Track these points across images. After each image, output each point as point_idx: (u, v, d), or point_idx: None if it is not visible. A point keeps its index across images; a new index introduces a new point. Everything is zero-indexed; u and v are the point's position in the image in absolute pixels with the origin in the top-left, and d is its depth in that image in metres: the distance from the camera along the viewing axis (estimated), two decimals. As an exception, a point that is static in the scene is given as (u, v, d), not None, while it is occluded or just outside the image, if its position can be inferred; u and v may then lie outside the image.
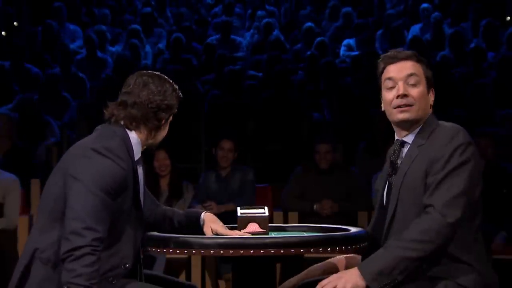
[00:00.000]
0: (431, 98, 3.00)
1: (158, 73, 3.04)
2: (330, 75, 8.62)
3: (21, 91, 8.36)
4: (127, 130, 2.94)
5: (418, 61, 2.99)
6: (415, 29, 10.77)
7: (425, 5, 10.97)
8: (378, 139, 7.08)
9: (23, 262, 2.86)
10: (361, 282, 2.72)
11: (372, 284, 2.71)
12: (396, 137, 3.03)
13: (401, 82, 2.94)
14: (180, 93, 3.04)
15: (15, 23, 10.99)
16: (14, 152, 6.82)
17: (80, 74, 9.16)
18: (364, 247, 3.02)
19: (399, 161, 2.98)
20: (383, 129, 6.91)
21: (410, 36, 10.26)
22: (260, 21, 11.35)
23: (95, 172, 2.77)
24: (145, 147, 3.01)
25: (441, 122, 2.97)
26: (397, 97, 2.94)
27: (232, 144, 6.47)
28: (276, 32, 10.93)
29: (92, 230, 2.70)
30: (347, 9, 11.16)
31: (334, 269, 3.15)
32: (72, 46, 10.26)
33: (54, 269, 2.79)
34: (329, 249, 2.86)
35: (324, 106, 8.40)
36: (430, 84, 2.99)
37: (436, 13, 10.65)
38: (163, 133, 3.01)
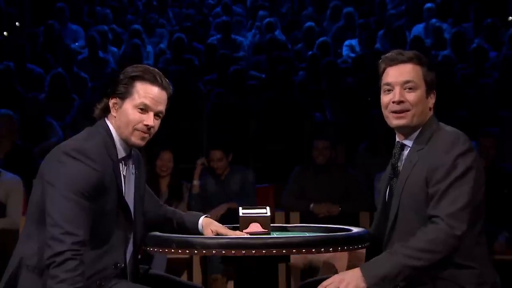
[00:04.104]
0: (431, 101, 2.95)
1: (146, 66, 3.02)
2: (332, 75, 8.62)
3: (25, 91, 8.37)
4: (109, 124, 2.93)
5: (419, 63, 2.93)
6: (418, 29, 10.77)
7: (428, 5, 10.97)
8: (379, 139, 7.09)
9: (10, 270, 2.87)
10: (363, 284, 2.70)
11: (373, 287, 2.70)
12: (396, 139, 3.01)
13: (398, 88, 2.91)
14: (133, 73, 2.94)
15: (16, 23, 11.00)
16: (15, 153, 6.82)
17: (82, 74, 9.17)
18: (365, 247, 3.02)
19: (399, 164, 2.97)
20: (384, 129, 6.92)
21: (411, 36, 10.26)
22: (261, 21, 11.35)
23: (68, 176, 2.76)
24: (131, 146, 2.97)
25: (441, 125, 2.94)
26: (393, 102, 2.91)
27: (221, 153, 6.48)
28: (277, 32, 10.93)
29: (71, 235, 2.70)
30: (349, 9, 11.16)
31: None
32: (73, 46, 10.26)
33: (40, 276, 2.80)
34: (331, 249, 2.85)
35: (325, 106, 8.40)
36: (431, 86, 2.95)
37: (435, 20, 10.67)
38: (123, 119, 2.91)
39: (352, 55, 10.13)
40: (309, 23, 10.77)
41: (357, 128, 7.80)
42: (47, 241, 2.72)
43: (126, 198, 2.93)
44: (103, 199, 2.82)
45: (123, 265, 2.92)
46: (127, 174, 2.96)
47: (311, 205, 6.37)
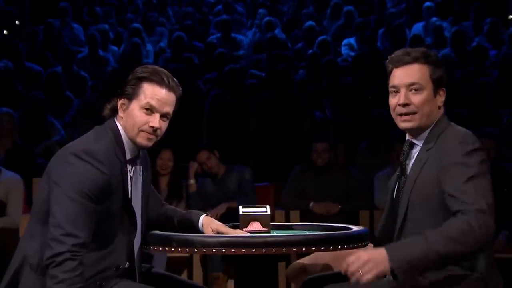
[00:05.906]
0: (440, 99, 2.92)
1: (155, 66, 3.00)
2: (331, 74, 8.62)
3: (24, 90, 8.37)
4: (117, 124, 2.91)
5: (425, 62, 2.89)
6: (418, 27, 10.76)
7: (428, 3, 10.97)
8: (379, 138, 7.08)
9: (12, 268, 2.87)
10: (387, 268, 2.56)
11: (398, 270, 2.57)
12: (407, 137, 2.98)
13: (404, 90, 2.88)
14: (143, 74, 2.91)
15: (16, 22, 11.00)
16: (15, 151, 6.82)
17: (82, 73, 9.17)
18: (365, 245, 3.02)
19: (407, 162, 2.93)
20: (384, 128, 6.92)
21: (411, 35, 10.26)
22: (261, 20, 11.34)
23: (74, 177, 2.75)
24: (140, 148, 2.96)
25: (451, 123, 2.90)
26: (399, 105, 2.88)
27: (205, 152, 6.50)
28: (277, 31, 10.93)
29: (72, 236, 2.70)
30: (349, 7, 11.17)
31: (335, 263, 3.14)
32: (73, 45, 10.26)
33: (42, 275, 2.80)
34: (331, 247, 2.85)
35: (326, 105, 8.40)
36: (439, 84, 2.92)
37: (435, 18, 10.67)
38: (129, 120, 2.89)
39: (352, 53, 10.12)
40: (309, 22, 10.77)
41: (357, 127, 7.80)
42: (48, 241, 2.73)
43: (132, 199, 2.92)
44: (109, 200, 2.82)
45: (125, 266, 2.92)
46: (134, 175, 2.95)
47: (311, 204, 6.38)
